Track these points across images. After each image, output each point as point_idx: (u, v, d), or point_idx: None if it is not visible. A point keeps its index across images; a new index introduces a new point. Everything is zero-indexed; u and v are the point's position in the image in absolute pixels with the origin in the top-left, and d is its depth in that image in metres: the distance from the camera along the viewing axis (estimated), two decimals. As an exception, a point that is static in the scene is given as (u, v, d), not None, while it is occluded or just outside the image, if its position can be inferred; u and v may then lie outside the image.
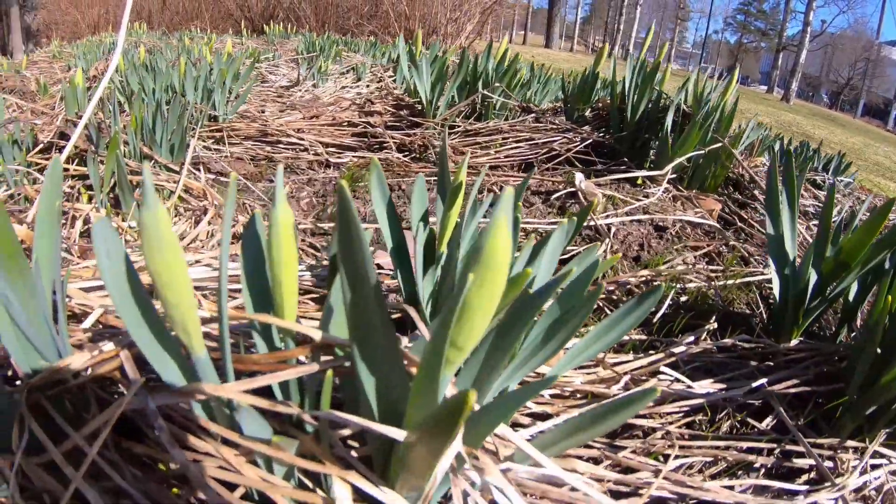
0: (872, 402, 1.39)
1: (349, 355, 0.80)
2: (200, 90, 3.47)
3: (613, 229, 2.44)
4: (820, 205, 3.28)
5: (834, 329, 1.83)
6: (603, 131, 3.68)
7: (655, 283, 2.08)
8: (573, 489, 0.94)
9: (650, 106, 3.35)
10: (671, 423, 1.43)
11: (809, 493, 1.27)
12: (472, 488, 0.74)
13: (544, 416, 1.33)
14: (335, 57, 6.06)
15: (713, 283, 2.11)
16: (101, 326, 1.19)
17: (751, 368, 1.63)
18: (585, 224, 2.43)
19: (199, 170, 2.76)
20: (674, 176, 3.10)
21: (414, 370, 0.75)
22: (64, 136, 2.77)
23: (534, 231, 2.39)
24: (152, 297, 0.87)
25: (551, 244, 1.13)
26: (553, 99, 5.01)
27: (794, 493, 1.28)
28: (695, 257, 2.39)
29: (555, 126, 3.67)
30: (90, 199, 2.31)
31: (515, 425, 1.27)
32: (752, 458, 1.35)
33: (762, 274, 2.22)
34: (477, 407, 0.68)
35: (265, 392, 0.80)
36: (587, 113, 3.93)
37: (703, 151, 3.06)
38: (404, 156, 3.39)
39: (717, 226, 2.66)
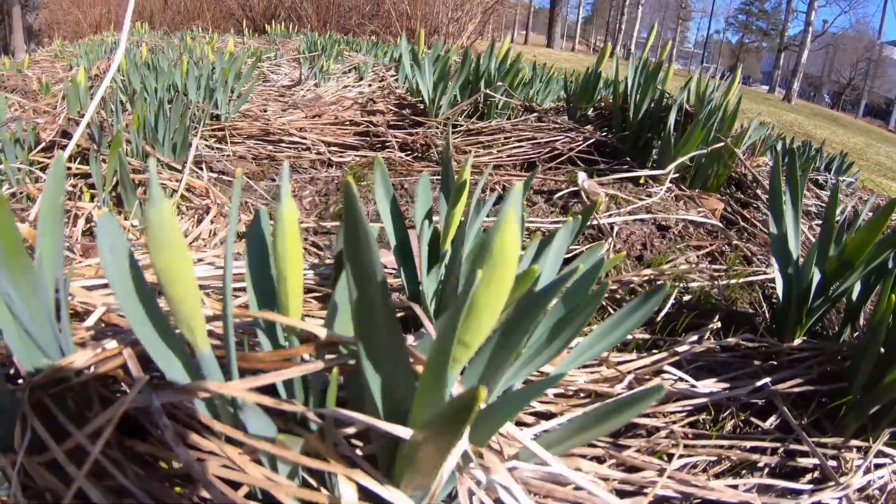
0: (876, 402, 1.39)
1: (354, 353, 0.80)
2: (203, 89, 3.47)
3: (616, 228, 2.44)
4: (822, 204, 3.28)
5: (837, 329, 1.83)
6: (605, 131, 3.68)
7: (659, 283, 2.08)
8: (578, 488, 0.94)
9: (653, 105, 3.35)
10: (675, 423, 1.43)
11: (813, 493, 1.27)
12: (478, 487, 0.73)
13: (548, 415, 1.32)
14: (337, 56, 6.06)
15: (716, 282, 2.11)
16: (103, 325, 1.18)
17: (754, 368, 1.62)
18: (588, 223, 2.42)
19: (201, 168, 2.76)
20: (676, 175, 3.09)
21: (419, 368, 0.74)
22: (66, 135, 2.76)
23: (537, 230, 2.38)
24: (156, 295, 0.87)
25: (556, 242, 1.12)
26: (555, 98, 5.00)
27: (798, 493, 1.28)
28: (697, 257, 2.39)
29: (557, 125, 3.67)
30: (92, 197, 2.30)
31: (519, 424, 1.26)
32: (755, 457, 1.35)
33: (765, 273, 2.21)
34: (483, 405, 0.68)
35: (269, 390, 0.80)
36: (590, 112, 3.93)
37: (705, 151, 3.06)
38: (407, 155, 3.39)
39: (720, 225, 2.66)
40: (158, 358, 0.76)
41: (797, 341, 1.73)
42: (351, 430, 0.85)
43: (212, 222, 2.17)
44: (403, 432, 0.67)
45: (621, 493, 1.16)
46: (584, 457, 1.23)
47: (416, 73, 3.87)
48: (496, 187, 2.84)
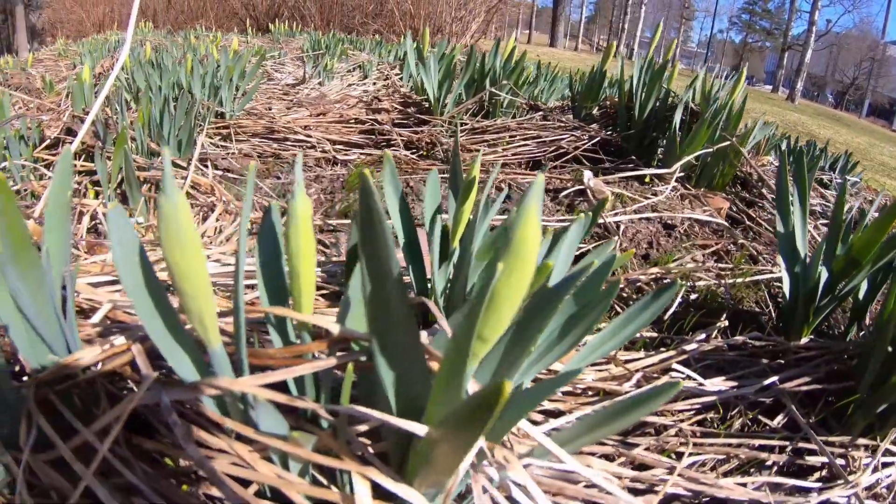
0: (883, 401, 1.39)
1: (366, 350, 0.79)
2: (207, 87, 3.47)
3: (622, 227, 2.43)
4: (827, 204, 3.28)
5: (843, 327, 1.82)
6: (610, 129, 3.67)
7: (666, 281, 2.08)
8: (589, 486, 0.94)
9: (658, 104, 3.34)
10: (683, 421, 1.42)
11: (822, 491, 1.27)
12: (490, 484, 0.73)
13: (556, 413, 1.32)
14: (341, 55, 6.06)
15: (722, 281, 2.10)
16: (108, 322, 1.18)
17: (762, 366, 1.62)
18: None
19: (206, 166, 2.76)
20: (682, 174, 3.09)
21: (434, 365, 0.74)
22: (70, 133, 2.77)
23: (544, 228, 2.38)
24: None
25: (569, 237, 1.12)
26: (560, 97, 5.00)
27: (807, 491, 1.27)
28: (703, 255, 2.38)
29: (562, 124, 3.66)
30: (97, 194, 2.30)
31: (528, 422, 1.26)
32: (764, 455, 1.35)
33: (770, 272, 2.21)
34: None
35: (280, 387, 0.79)
36: (595, 111, 3.92)
37: (711, 150, 3.05)
38: (412, 153, 3.38)
39: (726, 224, 2.65)
40: (168, 353, 0.75)
41: (804, 340, 1.72)
42: (361, 428, 0.85)
43: (217, 219, 2.17)
44: (419, 429, 0.67)
45: (632, 491, 1.15)
46: (593, 455, 1.23)
47: (420, 71, 3.87)
48: (502, 186, 2.84)
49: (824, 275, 1.69)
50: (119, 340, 0.95)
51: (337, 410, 0.75)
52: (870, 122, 42.82)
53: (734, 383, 1.52)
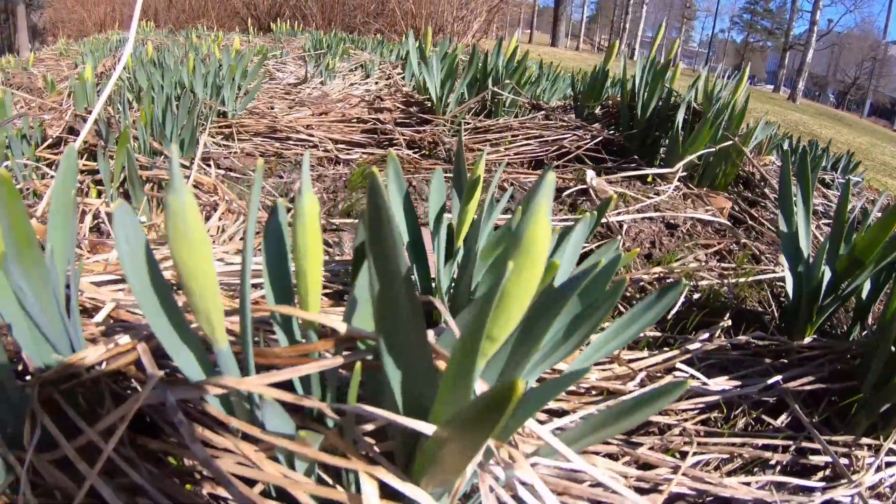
0: (886, 400, 1.39)
1: (372, 349, 0.79)
2: (210, 86, 3.46)
3: (625, 226, 2.43)
4: (829, 204, 3.27)
5: (846, 327, 1.82)
6: (613, 129, 3.67)
7: (669, 280, 2.08)
8: (594, 485, 0.93)
9: (660, 104, 3.34)
10: (687, 420, 1.43)
11: (826, 490, 1.27)
12: (496, 483, 0.73)
13: (560, 413, 1.32)
14: (342, 55, 6.05)
15: (725, 280, 2.10)
16: (112, 321, 1.18)
17: (765, 366, 1.62)
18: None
19: (208, 165, 2.76)
20: (684, 174, 3.09)
21: (440, 364, 0.74)
22: (73, 132, 2.77)
23: (546, 228, 2.37)
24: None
25: (575, 236, 1.12)
26: (562, 96, 5.00)
27: (811, 490, 1.27)
28: (706, 255, 2.38)
29: (565, 123, 3.66)
30: (99, 193, 2.30)
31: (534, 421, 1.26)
32: (767, 454, 1.35)
33: (773, 272, 2.21)
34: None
35: (286, 386, 0.79)
36: (597, 110, 3.92)
37: (713, 149, 3.05)
38: (414, 152, 3.38)
39: (728, 224, 2.65)
40: (174, 352, 0.75)
41: (807, 339, 1.72)
42: (366, 428, 0.85)
43: (220, 219, 2.17)
44: (427, 428, 0.66)
45: (637, 490, 1.16)
46: (597, 454, 1.23)
47: (423, 70, 3.87)
48: (505, 185, 2.84)
49: (827, 274, 1.69)
50: (123, 339, 0.95)
51: (344, 409, 0.75)
52: (871, 121, 42.79)
53: (738, 383, 1.52)
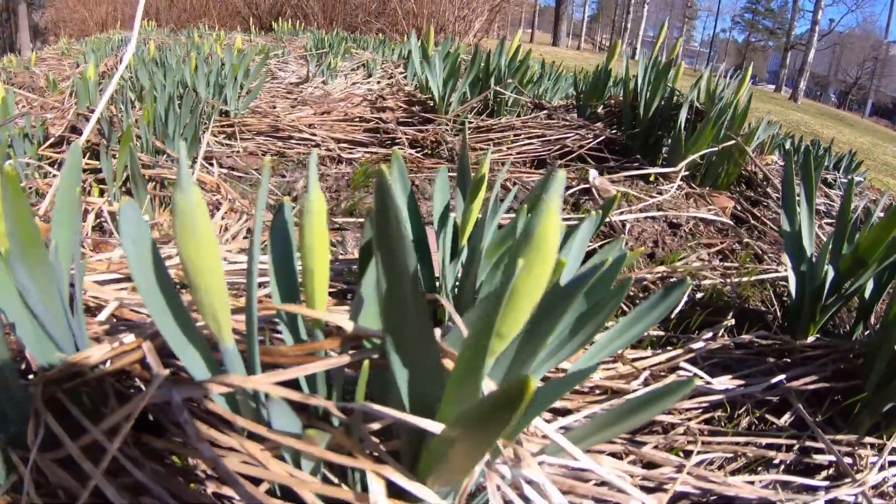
0: (889, 400, 1.39)
1: (378, 347, 0.79)
2: (212, 85, 3.47)
3: (628, 226, 2.43)
4: (831, 203, 3.28)
5: (849, 327, 1.82)
6: (615, 128, 3.67)
7: (672, 279, 2.07)
8: (599, 484, 0.93)
9: (663, 103, 3.34)
10: (691, 420, 1.43)
11: (830, 489, 1.27)
12: (503, 482, 0.73)
13: (564, 412, 1.32)
14: (344, 54, 6.05)
15: (728, 280, 2.10)
16: (115, 320, 1.17)
17: (769, 365, 1.62)
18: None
19: (211, 164, 2.76)
20: (687, 173, 3.09)
21: (447, 362, 0.73)
22: (75, 131, 2.77)
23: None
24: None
25: (580, 234, 1.12)
26: (564, 96, 4.99)
27: (815, 489, 1.28)
28: (709, 254, 2.38)
29: (567, 123, 3.66)
30: (101, 192, 2.30)
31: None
32: (771, 454, 1.35)
33: (776, 271, 2.21)
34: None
35: (292, 385, 0.79)
36: (599, 110, 3.92)
37: (716, 149, 3.05)
38: (417, 152, 3.38)
39: (731, 223, 2.65)
40: (179, 351, 0.74)
41: (810, 339, 1.73)
42: (372, 427, 0.85)
43: (223, 218, 2.17)
44: (435, 427, 0.66)
45: (642, 489, 1.15)
46: (601, 453, 1.23)
47: (426, 69, 3.87)
48: (507, 184, 2.84)
49: (830, 274, 1.69)
50: (128, 338, 0.94)
51: (350, 408, 0.74)
52: (873, 121, 42.76)
53: (741, 382, 1.52)
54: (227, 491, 0.88)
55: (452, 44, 4.65)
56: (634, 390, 1.42)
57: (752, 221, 2.81)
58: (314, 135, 3.41)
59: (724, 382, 1.51)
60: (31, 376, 0.99)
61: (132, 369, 0.95)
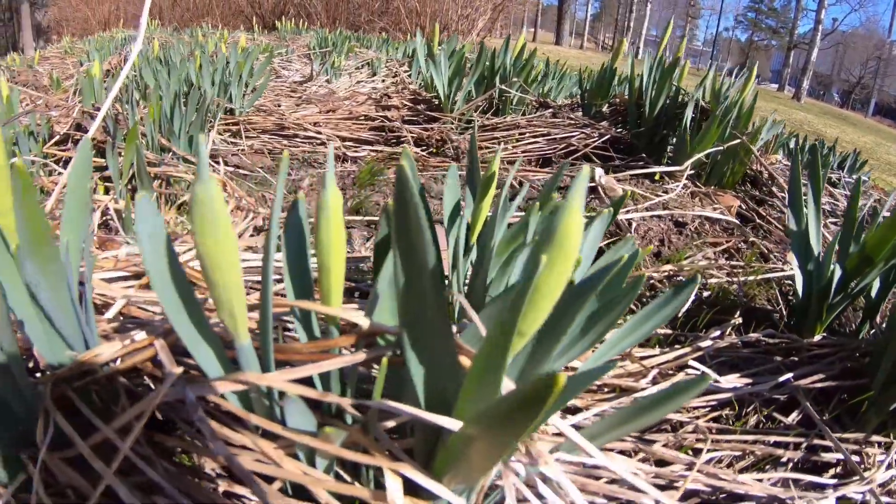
0: (896, 398, 1.39)
1: (393, 344, 0.79)
2: (217, 84, 3.47)
3: (634, 224, 2.43)
4: (836, 203, 3.27)
5: (855, 325, 1.82)
6: (620, 127, 3.67)
7: (679, 278, 2.08)
8: (611, 481, 0.93)
9: (668, 102, 3.34)
10: (699, 418, 1.43)
11: (838, 487, 1.27)
12: (518, 479, 0.73)
13: (574, 410, 1.32)
14: (348, 53, 6.06)
15: (735, 278, 2.10)
16: (123, 318, 1.17)
17: (776, 363, 1.62)
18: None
19: (217, 162, 2.76)
20: (692, 172, 3.09)
21: (463, 359, 0.73)
22: (80, 128, 2.77)
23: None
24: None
25: (592, 233, 1.12)
26: (569, 94, 4.99)
27: (823, 487, 1.28)
28: (714, 253, 2.38)
29: (572, 121, 3.66)
30: (107, 190, 2.30)
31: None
32: (779, 452, 1.35)
33: (782, 270, 2.21)
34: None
35: (306, 383, 0.79)
36: (604, 108, 3.92)
37: (721, 148, 3.05)
38: (422, 150, 3.39)
39: (736, 222, 2.65)
40: (193, 348, 0.74)
41: (817, 337, 1.73)
42: (386, 425, 0.84)
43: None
44: (453, 424, 0.66)
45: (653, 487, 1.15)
46: (611, 451, 1.23)
47: (431, 68, 3.87)
48: (513, 183, 2.84)
49: (837, 272, 1.69)
50: (139, 336, 0.94)
51: (365, 406, 0.74)
52: (876, 121, 42.68)
53: (749, 380, 1.52)
54: (238, 489, 0.88)
55: (457, 42, 4.65)
56: (643, 388, 1.42)
57: (758, 220, 2.81)
58: (319, 133, 3.42)
59: (732, 381, 1.51)
60: (38, 374, 0.99)
61: (143, 367, 0.95)
